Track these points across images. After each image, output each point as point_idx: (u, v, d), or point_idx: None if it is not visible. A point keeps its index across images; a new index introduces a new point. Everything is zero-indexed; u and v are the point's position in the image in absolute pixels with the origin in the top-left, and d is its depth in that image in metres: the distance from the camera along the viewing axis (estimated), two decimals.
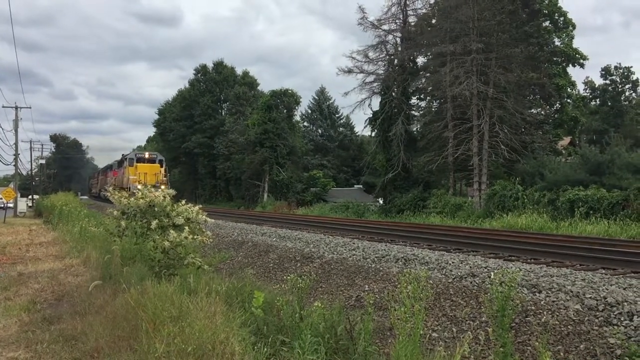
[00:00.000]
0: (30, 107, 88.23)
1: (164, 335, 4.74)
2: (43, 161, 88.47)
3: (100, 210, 32.23)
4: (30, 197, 63.38)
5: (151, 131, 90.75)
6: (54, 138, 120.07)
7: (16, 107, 48.75)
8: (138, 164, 39.52)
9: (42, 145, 79.66)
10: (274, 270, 10.99)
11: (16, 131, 48.66)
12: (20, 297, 9.13)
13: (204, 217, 8.97)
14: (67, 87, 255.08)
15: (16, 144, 49.40)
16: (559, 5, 37.72)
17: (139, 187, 9.13)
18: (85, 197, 75.69)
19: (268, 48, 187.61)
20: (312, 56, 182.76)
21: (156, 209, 8.71)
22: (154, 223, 8.41)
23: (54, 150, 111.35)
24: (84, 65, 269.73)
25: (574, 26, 38.58)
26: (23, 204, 46.06)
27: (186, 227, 8.29)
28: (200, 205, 9.55)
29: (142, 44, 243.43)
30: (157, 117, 78.85)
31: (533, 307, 5.98)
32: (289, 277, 6.35)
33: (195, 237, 8.21)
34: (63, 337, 6.42)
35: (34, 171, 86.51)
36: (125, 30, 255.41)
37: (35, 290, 9.70)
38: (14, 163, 50.63)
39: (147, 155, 41.60)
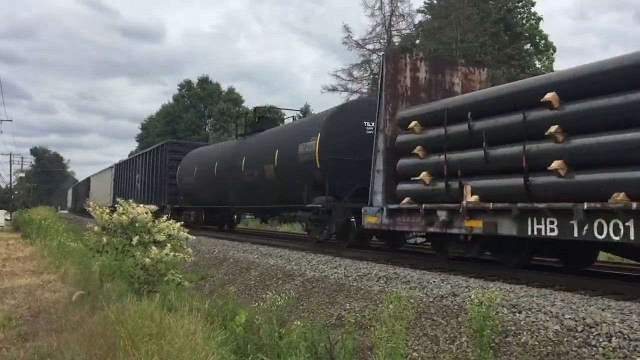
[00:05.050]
0: (11, 120, 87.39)
1: (142, 353, 4.68)
2: (23, 174, 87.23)
3: (80, 226, 31.81)
4: (9, 210, 62.34)
5: (133, 146, 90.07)
6: (35, 151, 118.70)
7: None
8: None
9: (22, 158, 78.47)
10: (255, 287, 10.92)
11: None
12: None
13: (185, 234, 8.98)
14: (47, 101, 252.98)
15: None
16: (539, 28, 38.56)
17: None
18: (65, 211, 74.34)
19: (250, 65, 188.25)
20: (294, 74, 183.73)
21: (137, 224, 8.66)
22: (135, 239, 8.36)
23: (34, 163, 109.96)
24: (64, 78, 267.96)
25: (554, 49, 39.45)
26: (1, 217, 45.26)
27: (168, 244, 8.24)
28: (183, 222, 9.50)
29: (124, 58, 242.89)
30: (139, 131, 78.50)
31: (513, 327, 6.01)
32: (268, 295, 6.33)
33: (176, 254, 8.16)
34: (38, 355, 6.28)
35: (13, 184, 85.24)
36: (106, 44, 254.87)
37: (10, 306, 9.50)
38: None
39: None
